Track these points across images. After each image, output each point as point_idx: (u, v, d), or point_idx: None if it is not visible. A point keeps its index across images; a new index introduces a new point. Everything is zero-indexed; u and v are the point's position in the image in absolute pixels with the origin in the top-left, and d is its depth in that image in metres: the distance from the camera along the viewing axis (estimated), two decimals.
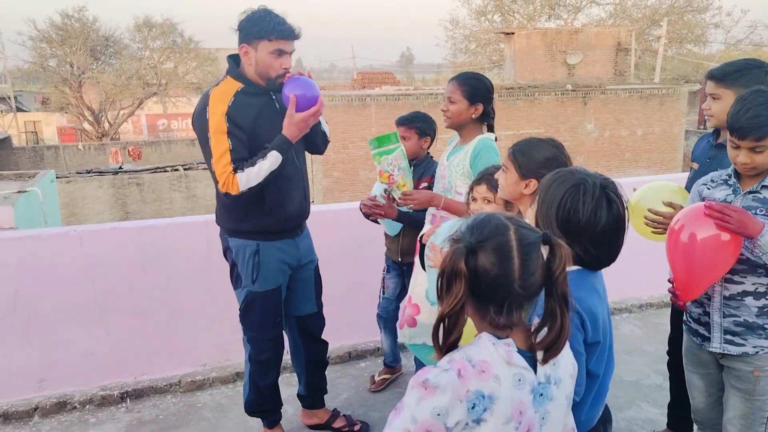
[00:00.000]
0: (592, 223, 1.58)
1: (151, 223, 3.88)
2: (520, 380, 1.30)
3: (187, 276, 3.79)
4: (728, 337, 2.23)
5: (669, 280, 2.26)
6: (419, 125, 3.41)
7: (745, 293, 2.18)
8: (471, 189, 2.45)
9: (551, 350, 1.32)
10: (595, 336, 1.59)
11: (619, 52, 21.00)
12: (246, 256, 2.82)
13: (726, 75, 2.44)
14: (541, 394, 1.33)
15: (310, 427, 3.32)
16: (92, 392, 3.62)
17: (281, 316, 3.00)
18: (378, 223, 3.50)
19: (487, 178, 2.37)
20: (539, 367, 1.33)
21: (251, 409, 3.08)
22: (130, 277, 3.67)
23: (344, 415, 3.36)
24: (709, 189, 2.32)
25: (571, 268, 1.59)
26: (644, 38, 32.30)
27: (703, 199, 2.31)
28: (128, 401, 3.63)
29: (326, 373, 3.34)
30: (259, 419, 3.16)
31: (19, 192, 7.42)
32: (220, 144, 2.60)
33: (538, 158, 2.05)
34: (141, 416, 3.49)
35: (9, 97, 33.50)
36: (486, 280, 1.28)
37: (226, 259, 2.95)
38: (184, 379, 3.77)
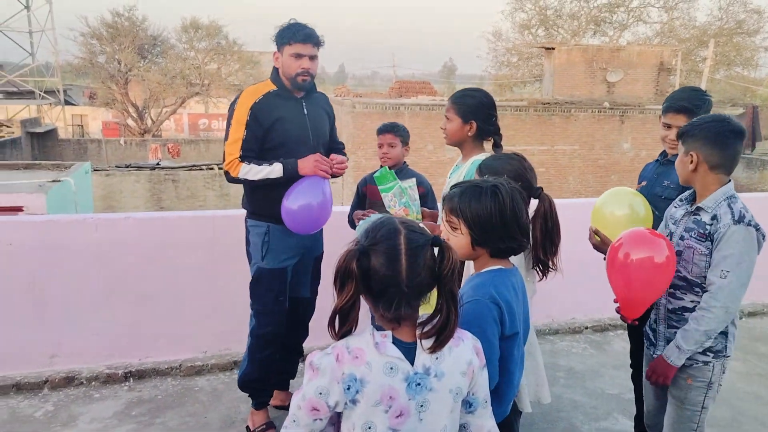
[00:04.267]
0: (485, 213, 1.71)
1: (161, 215, 4.12)
2: (392, 368, 1.44)
3: (193, 267, 4.01)
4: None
5: (615, 300, 2.39)
6: (402, 133, 3.56)
7: (685, 309, 2.31)
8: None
9: (439, 340, 1.45)
10: (513, 328, 1.74)
11: (662, 72, 20.76)
12: (258, 235, 3.14)
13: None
14: (418, 384, 1.45)
15: (275, 407, 3.53)
16: (98, 370, 3.86)
17: (285, 296, 3.21)
18: None
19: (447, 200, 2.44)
20: (419, 359, 1.45)
21: (244, 382, 3.28)
22: (140, 264, 3.91)
23: None
24: (675, 207, 2.46)
25: (492, 267, 1.75)
26: (691, 59, 31.81)
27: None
28: (131, 380, 3.86)
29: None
30: (249, 403, 3.35)
31: (54, 181, 7.80)
32: (237, 132, 2.98)
33: (500, 172, 2.17)
34: (141, 395, 3.71)
35: (58, 91, 34.86)
36: (376, 279, 1.43)
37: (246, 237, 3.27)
38: (185, 364, 3.99)
